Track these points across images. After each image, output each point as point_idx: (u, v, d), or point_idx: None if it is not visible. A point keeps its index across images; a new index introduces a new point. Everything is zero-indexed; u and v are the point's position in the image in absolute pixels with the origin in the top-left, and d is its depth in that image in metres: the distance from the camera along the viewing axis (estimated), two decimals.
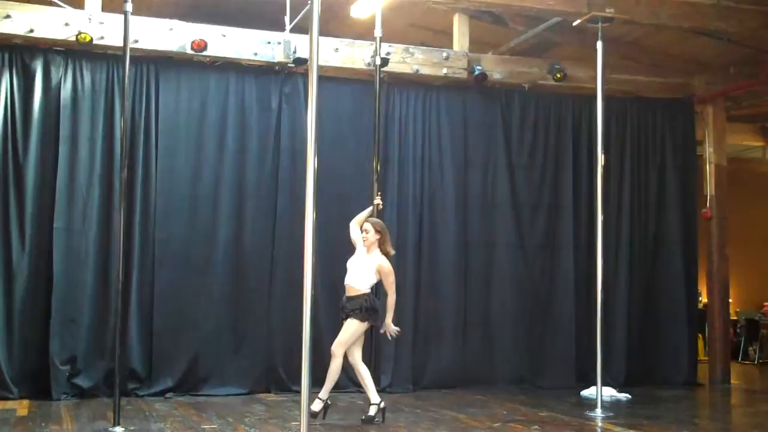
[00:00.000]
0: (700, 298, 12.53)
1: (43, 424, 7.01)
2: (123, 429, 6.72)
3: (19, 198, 8.70)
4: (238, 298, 9.39)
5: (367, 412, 7.33)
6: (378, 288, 7.60)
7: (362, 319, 7.30)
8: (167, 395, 8.85)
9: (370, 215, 7.78)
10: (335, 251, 9.40)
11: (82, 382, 8.66)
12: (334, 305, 9.26)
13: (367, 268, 7.44)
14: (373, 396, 7.34)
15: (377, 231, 7.49)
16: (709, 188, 11.39)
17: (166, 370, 9.01)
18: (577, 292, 10.59)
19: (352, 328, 7.29)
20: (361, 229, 7.59)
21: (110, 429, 6.70)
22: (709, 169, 11.41)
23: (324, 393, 7.21)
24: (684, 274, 11.10)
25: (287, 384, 9.26)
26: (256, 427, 7.02)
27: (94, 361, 8.75)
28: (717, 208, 11.31)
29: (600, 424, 7.66)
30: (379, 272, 7.42)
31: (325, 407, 7.27)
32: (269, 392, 9.25)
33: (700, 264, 11.48)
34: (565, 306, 10.58)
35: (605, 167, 8.84)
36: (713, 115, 11.42)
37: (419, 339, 10.00)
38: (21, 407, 7.96)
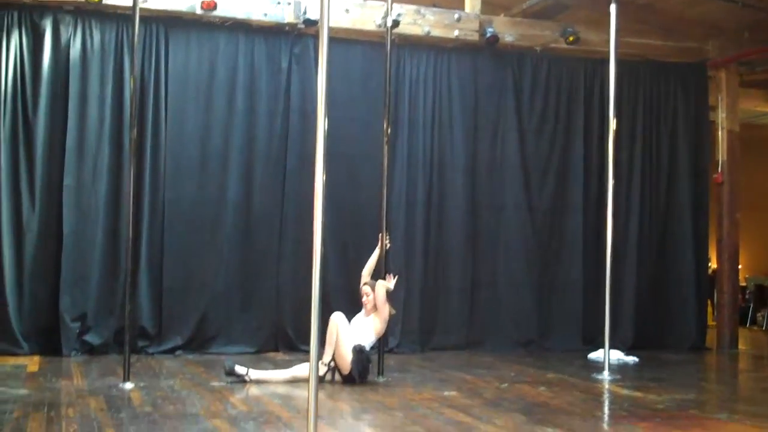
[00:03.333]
0: (710, 264, 12.52)
1: (53, 380, 7.08)
2: (133, 385, 6.77)
3: (29, 156, 8.73)
4: (247, 258, 9.43)
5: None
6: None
7: (355, 363, 7.24)
8: (176, 353, 8.94)
9: (379, 257, 7.74)
10: (344, 212, 9.47)
11: (92, 339, 8.75)
12: (343, 266, 9.38)
13: (366, 330, 7.49)
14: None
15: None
16: (721, 154, 11.32)
17: (176, 329, 9.08)
18: (586, 255, 10.60)
19: (343, 342, 7.25)
20: (362, 291, 7.64)
21: (120, 385, 6.76)
22: (721, 135, 11.33)
23: (326, 357, 7.24)
24: (694, 239, 11.09)
25: (295, 343, 9.32)
26: (264, 385, 7.07)
27: (104, 318, 8.82)
28: (728, 174, 11.25)
29: (607, 386, 7.69)
30: (377, 317, 7.50)
31: (331, 370, 7.29)
32: (277, 351, 9.31)
33: (710, 229, 11.45)
34: (574, 269, 10.59)
35: (616, 132, 8.78)
36: (726, 80, 11.32)
37: (427, 300, 10.04)
38: (32, 363, 8.05)
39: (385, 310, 7.50)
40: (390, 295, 7.68)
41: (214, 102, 9.39)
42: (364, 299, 7.62)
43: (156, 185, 9.12)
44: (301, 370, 7.12)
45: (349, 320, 7.51)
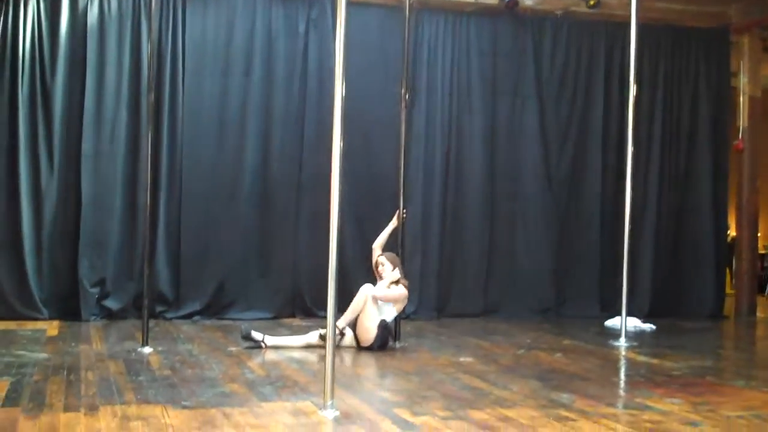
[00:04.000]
0: (729, 231, 12.44)
1: (73, 344, 7.14)
2: (151, 349, 6.82)
3: (47, 122, 8.76)
4: (265, 224, 9.45)
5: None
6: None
7: (378, 338, 7.26)
8: (194, 318, 8.99)
9: (395, 228, 7.68)
10: (361, 179, 9.44)
11: (111, 304, 8.82)
12: (360, 233, 9.39)
13: (385, 304, 7.43)
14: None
15: (392, 264, 7.51)
16: (742, 120, 11.21)
17: (194, 294, 9.13)
18: (603, 223, 10.56)
19: (368, 315, 7.27)
20: (376, 263, 7.59)
21: (139, 349, 6.81)
22: (743, 101, 11.21)
23: (341, 322, 7.24)
24: (713, 206, 11.02)
25: (312, 309, 9.35)
26: (281, 350, 7.11)
27: (122, 284, 8.88)
28: (749, 140, 11.15)
29: (623, 353, 7.68)
30: (395, 301, 7.44)
31: (340, 335, 7.26)
32: (294, 317, 9.36)
33: (730, 196, 11.37)
34: (591, 237, 10.56)
35: (637, 98, 8.69)
36: (749, 45, 11.18)
37: (444, 267, 10.04)
38: (51, 327, 8.12)
39: (394, 295, 7.41)
40: (404, 265, 7.67)
41: (231, 67, 9.35)
42: (379, 269, 7.58)
43: (174, 151, 9.13)
44: (316, 337, 7.15)
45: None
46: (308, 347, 7.18)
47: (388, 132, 9.01)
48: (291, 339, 7.40)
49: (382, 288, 7.37)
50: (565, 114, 10.56)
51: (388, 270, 7.50)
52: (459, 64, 10.18)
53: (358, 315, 7.28)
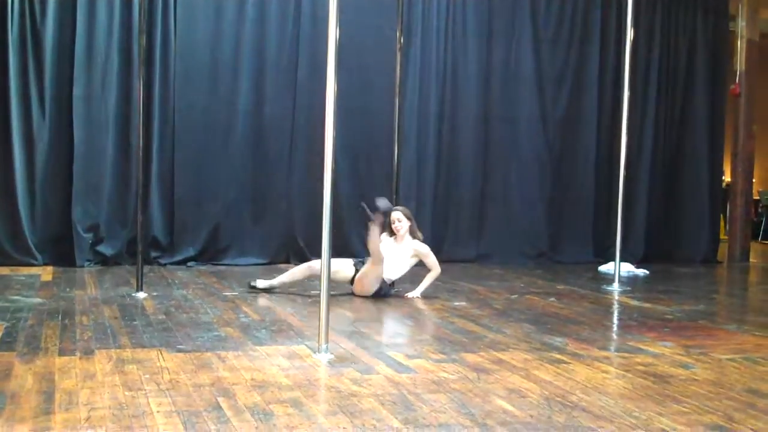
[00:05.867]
0: (723, 177, 12.44)
1: (67, 289, 7.14)
2: (146, 294, 6.82)
3: (38, 64, 8.64)
4: (259, 169, 9.40)
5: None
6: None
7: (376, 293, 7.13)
8: (189, 264, 8.99)
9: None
10: (356, 122, 9.37)
11: (105, 249, 8.79)
12: (354, 176, 9.38)
13: (401, 256, 7.27)
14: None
15: (408, 218, 7.32)
16: (740, 64, 11.14)
17: (188, 240, 9.12)
18: (598, 167, 10.56)
19: (368, 280, 7.10)
20: (391, 220, 7.27)
21: (133, 294, 6.82)
22: (741, 44, 11.14)
23: (267, 281, 7.21)
24: (709, 151, 11.03)
25: (306, 254, 9.32)
26: (276, 295, 7.12)
27: (116, 229, 8.86)
28: (746, 85, 11.10)
29: (616, 297, 7.72)
30: (417, 256, 7.28)
31: (265, 289, 7.19)
32: (289, 262, 9.33)
33: (725, 142, 11.34)
34: (586, 182, 10.57)
35: (633, 41, 8.60)
36: None
37: (438, 213, 10.04)
38: (45, 273, 8.12)
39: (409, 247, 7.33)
40: (415, 218, 7.58)
41: (224, 7, 9.21)
42: (395, 225, 7.29)
43: (166, 94, 9.04)
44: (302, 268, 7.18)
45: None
46: (306, 279, 7.17)
47: (383, 74, 8.95)
48: (280, 277, 7.35)
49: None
50: (561, 57, 10.49)
51: (405, 226, 7.31)
52: (454, 5, 10.06)
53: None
